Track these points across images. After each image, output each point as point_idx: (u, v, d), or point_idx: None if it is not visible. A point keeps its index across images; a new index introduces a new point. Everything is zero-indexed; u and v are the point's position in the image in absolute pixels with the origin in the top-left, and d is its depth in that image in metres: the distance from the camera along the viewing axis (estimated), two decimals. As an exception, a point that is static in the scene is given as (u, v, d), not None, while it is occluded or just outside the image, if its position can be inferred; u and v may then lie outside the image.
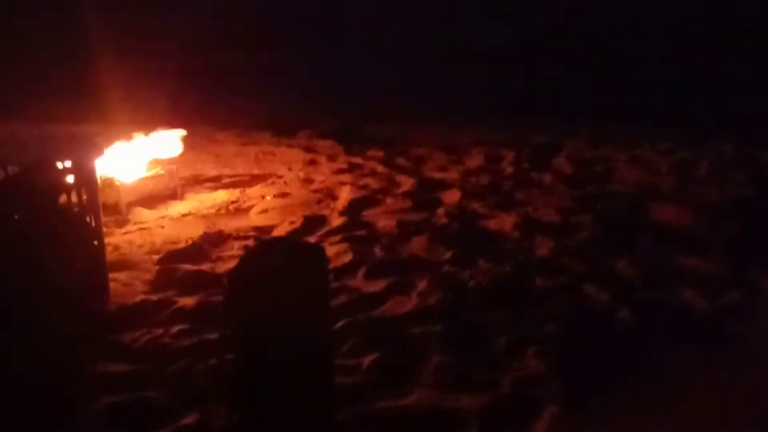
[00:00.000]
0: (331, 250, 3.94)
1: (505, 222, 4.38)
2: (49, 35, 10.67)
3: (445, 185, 5.29)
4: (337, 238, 4.23)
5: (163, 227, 4.57)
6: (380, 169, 5.80)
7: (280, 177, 5.69)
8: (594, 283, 3.48)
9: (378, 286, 3.56)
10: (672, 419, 2.46)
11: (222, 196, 5.28)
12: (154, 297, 3.50)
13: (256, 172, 5.92)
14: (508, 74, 8.97)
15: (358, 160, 6.12)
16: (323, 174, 5.71)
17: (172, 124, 5.75)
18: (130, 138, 5.22)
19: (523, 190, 5.06)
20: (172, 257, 4.01)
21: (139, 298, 3.48)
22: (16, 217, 3.14)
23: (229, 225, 4.60)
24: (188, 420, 2.51)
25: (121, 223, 4.65)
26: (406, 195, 5.08)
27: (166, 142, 5.38)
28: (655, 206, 4.53)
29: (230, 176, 5.81)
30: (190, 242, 4.22)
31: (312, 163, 6.11)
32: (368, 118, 7.43)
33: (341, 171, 5.78)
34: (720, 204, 4.53)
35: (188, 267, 3.85)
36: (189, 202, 5.17)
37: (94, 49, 9.16)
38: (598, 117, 7.01)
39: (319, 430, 2.28)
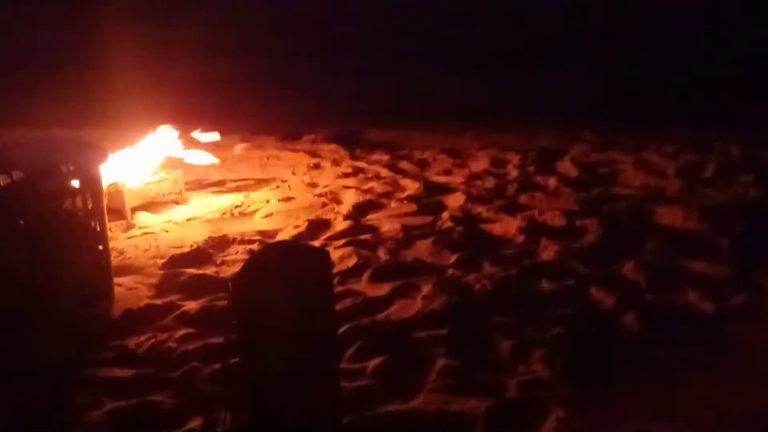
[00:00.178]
0: (335, 254, 3.93)
1: (509, 225, 4.37)
2: (56, 40, 10.71)
3: (449, 189, 5.28)
4: (342, 242, 4.22)
5: (167, 231, 4.57)
6: (384, 173, 5.80)
7: (285, 181, 5.70)
8: (600, 287, 3.47)
9: (383, 289, 3.55)
10: (678, 422, 2.45)
11: (226, 200, 5.28)
12: (158, 301, 3.50)
13: (260, 176, 5.92)
14: (512, 78, 8.96)
15: (362, 164, 6.12)
16: (327, 178, 5.71)
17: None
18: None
19: (528, 193, 5.05)
20: (176, 261, 4.01)
21: (143, 302, 3.48)
22: (21, 221, 3.14)
23: (234, 229, 4.60)
24: (193, 424, 2.50)
25: (126, 227, 4.66)
26: (410, 199, 5.07)
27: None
28: (661, 209, 4.52)
29: (235, 180, 5.81)
30: (194, 246, 4.22)
31: (316, 167, 6.11)
32: (372, 122, 7.43)
33: (345, 175, 5.78)
34: (726, 206, 4.52)
35: (193, 271, 3.85)
36: (193, 206, 5.17)
37: (99, 55, 9.19)
38: (602, 120, 7.00)
39: (325, 435, 2.27)
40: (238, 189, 5.56)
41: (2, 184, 3.25)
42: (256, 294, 2.15)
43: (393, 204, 4.99)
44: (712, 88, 7.77)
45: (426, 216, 4.67)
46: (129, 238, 4.48)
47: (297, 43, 11.07)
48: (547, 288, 3.52)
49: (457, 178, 5.55)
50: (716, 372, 2.71)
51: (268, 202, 5.17)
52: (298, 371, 2.16)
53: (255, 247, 4.19)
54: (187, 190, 5.35)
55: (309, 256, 2.32)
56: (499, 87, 8.58)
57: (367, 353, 2.94)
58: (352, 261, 3.89)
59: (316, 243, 4.19)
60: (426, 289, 3.50)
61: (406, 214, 4.77)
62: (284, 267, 2.19)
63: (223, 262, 4.03)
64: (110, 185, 4.74)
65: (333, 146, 6.72)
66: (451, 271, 3.75)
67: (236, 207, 5.11)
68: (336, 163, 6.21)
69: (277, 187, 5.56)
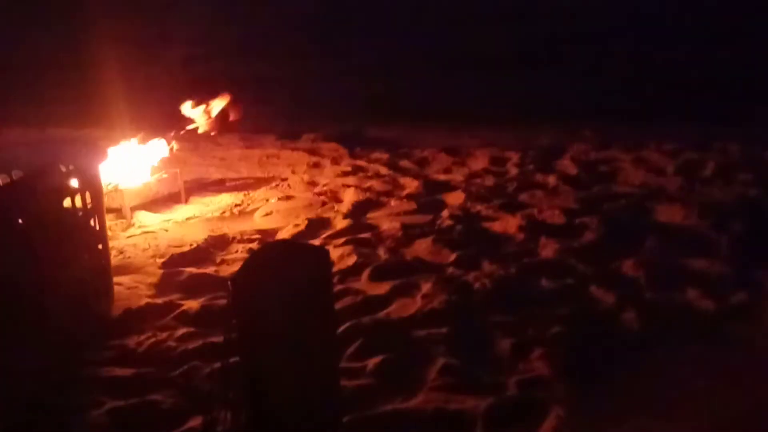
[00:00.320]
0: (335, 253, 3.93)
1: (509, 224, 4.37)
2: (54, 41, 10.70)
3: (449, 187, 5.28)
4: (342, 240, 4.22)
5: (167, 231, 4.57)
6: (384, 171, 5.80)
7: (284, 180, 5.69)
8: (599, 285, 3.47)
9: (382, 288, 3.55)
10: (678, 420, 2.45)
11: (226, 199, 5.28)
12: (158, 300, 3.50)
13: (260, 175, 5.92)
14: (511, 77, 8.96)
15: (362, 162, 6.12)
16: (327, 177, 5.71)
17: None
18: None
19: (528, 191, 5.04)
20: (176, 260, 4.01)
21: (143, 301, 3.48)
22: (20, 221, 3.14)
23: (234, 228, 4.59)
24: (193, 423, 2.51)
25: (126, 226, 4.66)
26: (410, 197, 5.07)
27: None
28: (660, 207, 4.51)
29: (234, 179, 5.81)
30: (194, 245, 4.22)
31: (316, 166, 6.11)
32: (372, 120, 7.43)
33: (345, 174, 5.78)
34: (726, 205, 4.51)
35: (193, 270, 3.85)
36: (193, 205, 5.17)
37: (98, 55, 9.18)
38: (602, 118, 6.99)
39: (325, 433, 2.27)
40: (237, 188, 5.56)
41: (1, 184, 3.25)
42: (256, 293, 2.14)
43: (393, 202, 4.99)
44: (712, 87, 7.78)
45: (426, 214, 4.67)
46: (128, 237, 4.48)
47: (296, 44, 11.07)
48: (547, 286, 3.52)
49: (457, 177, 5.55)
50: (716, 370, 2.71)
51: (267, 200, 5.17)
52: (298, 370, 2.16)
53: (255, 246, 4.19)
54: (187, 189, 5.35)
55: (308, 254, 2.32)
56: (498, 86, 8.58)
57: (366, 352, 2.94)
58: (352, 259, 3.89)
59: (316, 242, 4.19)
60: (426, 287, 3.50)
61: (406, 213, 4.77)
62: (284, 266, 2.19)
63: (222, 261, 4.03)
64: (109, 184, 4.73)
65: (333, 145, 6.71)
66: (450, 269, 3.74)
67: (236, 206, 5.10)
68: (336, 161, 6.20)
69: (277, 185, 5.56)
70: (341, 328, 3.06)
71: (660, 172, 5.38)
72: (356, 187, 5.31)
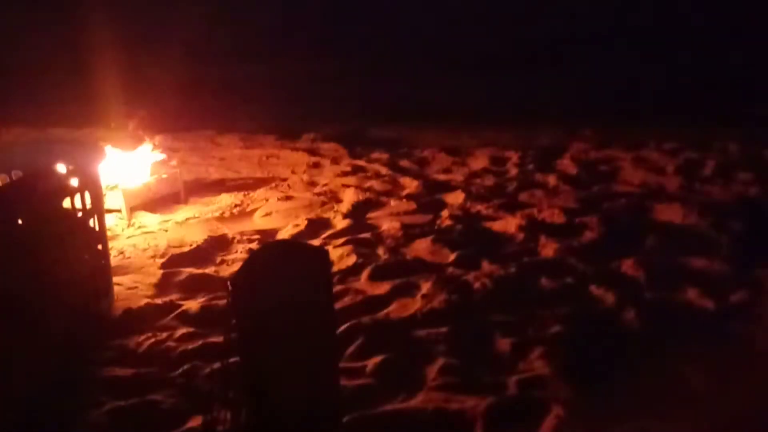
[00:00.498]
0: (335, 253, 3.94)
1: (509, 223, 4.37)
2: (54, 41, 10.70)
3: (449, 187, 5.28)
4: (341, 240, 4.22)
5: (167, 231, 4.57)
6: (384, 171, 5.80)
7: (284, 180, 5.69)
8: (599, 284, 3.47)
9: (382, 288, 3.55)
10: (678, 420, 2.45)
11: (226, 199, 5.27)
12: (158, 300, 3.50)
13: (259, 175, 5.92)
14: (512, 77, 8.96)
15: (361, 162, 6.11)
16: (327, 177, 5.71)
17: (170, 129, 5.73)
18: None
19: (528, 191, 5.04)
20: (176, 261, 4.01)
21: (143, 301, 3.48)
22: (20, 221, 3.14)
23: (233, 228, 4.59)
24: (193, 423, 2.51)
25: (125, 227, 4.66)
26: (410, 197, 5.07)
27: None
28: (660, 206, 4.51)
29: (234, 180, 5.81)
30: (194, 246, 4.22)
31: (316, 166, 6.11)
32: (372, 120, 7.43)
33: (345, 174, 5.78)
34: (726, 204, 4.52)
35: (192, 270, 3.85)
36: (193, 205, 5.17)
37: (98, 56, 9.18)
38: (602, 118, 6.99)
39: (325, 433, 2.27)
40: (237, 188, 5.56)
41: (1, 184, 3.25)
42: (256, 293, 2.14)
43: (393, 202, 4.99)
44: (712, 86, 7.78)
45: (426, 214, 4.67)
46: (128, 237, 4.48)
47: (296, 46, 11.07)
48: (547, 286, 3.51)
49: (457, 177, 5.55)
50: (716, 370, 2.70)
51: (267, 201, 5.16)
52: (298, 370, 2.16)
53: (254, 246, 4.19)
54: (187, 189, 5.35)
55: (308, 254, 2.31)
56: (499, 86, 8.59)
57: (366, 352, 2.94)
58: (352, 259, 3.89)
59: (316, 242, 4.19)
60: (426, 287, 3.50)
61: (406, 213, 4.77)
62: (283, 266, 2.19)
63: (222, 262, 4.03)
64: (109, 185, 4.73)
65: (332, 145, 6.71)
66: (450, 269, 3.74)
67: (236, 206, 5.10)
68: (335, 161, 6.20)
69: (277, 186, 5.56)
70: (341, 328, 3.06)
71: (660, 171, 5.38)
72: (356, 187, 5.31)
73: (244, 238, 4.37)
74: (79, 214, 3.31)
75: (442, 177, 5.59)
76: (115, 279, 3.63)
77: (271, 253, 2.37)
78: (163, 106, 7.49)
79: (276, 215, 4.85)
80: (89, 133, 7.13)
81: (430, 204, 4.88)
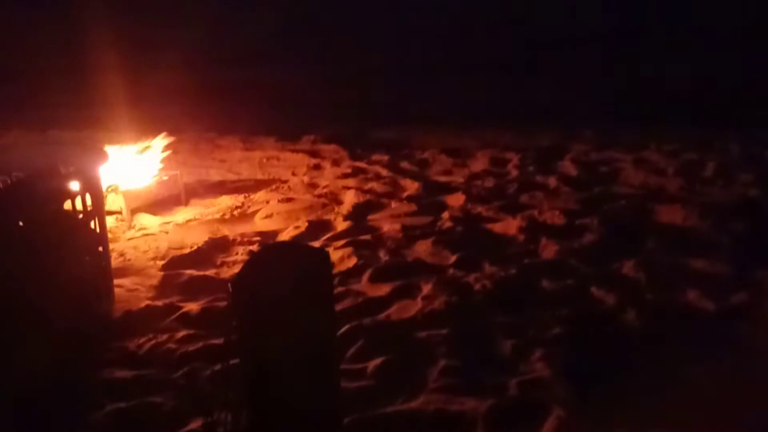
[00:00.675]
0: (335, 255, 3.93)
1: (510, 225, 4.37)
2: (56, 44, 10.71)
3: (449, 189, 5.28)
4: (342, 242, 4.22)
5: (167, 233, 4.57)
6: (385, 173, 5.79)
7: (285, 182, 5.68)
8: (600, 286, 3.47)
9: (383, 290, 3.55)
10: (680, 422, 2.44)
11: (226, 201, 5.27)
12: (159, 303, 3.50)
13: (260, 177, 5.91)
14: (512, 79, 8.97)
15: (362, 164, 6.11)
16: (328, 178, 5.70)
17: (172, 132, 5.72)
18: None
19: (528, 192, 5.04)
20: (176, 263, 4.00)
21: (143, 303, 3.48)
22: (21, 223, 3.14)
23: (234, 230, 4.59)
24: (194, 425, 2.51)
25: (126, 228, 4.66)
26: (410, 199, 5.07)
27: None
28: (661, 208, 4.51)
29: (234, 181, 5.80)
30: (194, 248, 4.22)
31: (316, 167, 6.10)
32: (372, 122, 7.43)
33: (346, 175, 5.78)
34: (727, 205, 4.52)
35: (193, 272, 3.85)
36: (193, 207, 5.16)
37: (99, 60, 9.19)
38: (602, 119, 6.99)
39: (325, 435, 2.27)
40: (237, 190, 5.55)
41: (2, 186, 3.25)
42: (256, 295, 2.14)
43: (393, 204, 4.99)
44: (712, 88, 7.78)
45: (426, 216, 4.67)
46: (129, 239, 4.47)
47: (296, 48, 11.08)
48: (548, 287, 3.51)
49: (458, 178, 5.54)
50: (717, 372, 2.70)
51: (268, 202, 5.16)
52: (299, 372, 2.16)
53: (255, 248, 4.19)
54: (187, 191, 5.35)
55: (309, 256, 2.31)
56: (499, 87, 8.58)
57: (367, 353, 2.93)
58: (353, 261, 3.89)
59: (316, 243, 4.19)
60: (426, 289, 3.50)
61: (407, 214, 4.77)
62: (284, 268, 2.19)
63: (223, 263, 4.02)
64: (110, 186, 4.73)
65: (333, 146, 6.70)
66: (451, 270, 3.74)
67: (236, 208, 5.10)
68: (336, 163, 6.20)
69: (277, 188, 5.56)
70: (342, 330, 3.06)
71: (660, 172, 5.38)
72: (357, 188, 5.31)
73: (245, 240, 4.37)
74: (80, 216, 3.31)
75: (442, 179, 5.59)
76: (116, 281, 3.63)
77: (271, 254, 2.37)
78: (163, 107, 7.51)
79: (276, 217, 4.85)
80: (90, 135, 7.13)
81: (431, 206, 4.87)
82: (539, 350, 2.90)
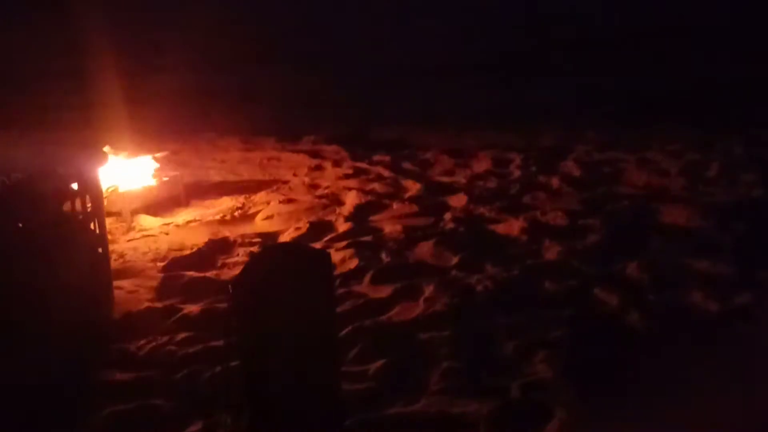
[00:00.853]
0: (337, 256, 3.92)
1: (512, 226, 4.35)
2: (54, 46, 10.72)
3: (451, 189, 5.26)
4: (343, 243, 4.20)
5: (167, 234, 4.56)
6: (386, 173, 5.78)
7: (286, 183, 5.67)
8: (603, 286, 3.45)
9: (385, 291, 3.54)
10: (682, 422, 2.43)
11: (227, 202, 5.26)
12: (159, 304, 3.48)
13: (261, 178, 5.90)
14: (515, 80, 8.96)
15: (363, 165, 6.10)
16: (329, 179, 5.69)
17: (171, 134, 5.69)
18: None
19: (531, 193, 5.03)
20: (177, 264, 3.99)
21: (144, 305, 3.47)
22: (20, 224, 3.13)
23: (234, 231, 4.58)
24: (194, 427, 2.49)
25: (126, 230, 4.64)
26: (412, 200, 5.05)
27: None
28: (664, 208, 4.50)
29: (235, 182, 5.79)
30: (195, 249, 4.20)
31: (317, 168, 6.09)
32: (374, 122, 7.42)
33: (347, 176, 5.76)
34: (730, 205, 4.50)
35: (193, 274, 3.83)
36: (194, 208, 5.15)
37: (99, 62, 9.20)
38: (605, 120, 6.98)
39: (326, 438, 2.25)
40: (238, 191, 5.54)
41: (1, 187, 3.24)
42: (257, 296, 2.13)
43: (395, 205, 4.97)
44: (715, 89, 7.77)
45: (428, 217, 4.65)
46: (129, 240, 4.46)
47: (297, 51, 11.08)
48: (550, 288, 3.50)
49: (460, 179, 5.53)
50: (719, 372, 2.69)
51: (268, 203, 5.15)
52: (299, 374, 2.14)
53: (256, 249, 4.17)
54: (187, 192, 5.33)
55: (310, 258, 2.30)
56: (501, 88, 8.58)
57: (369, 355, 2.92)
58: (354, 263, 3.88)
59: (318, 245, 4.17)
60: (428, 290, 3.48)
61: (408, 215, 4.75)
62: (285, 269, 2.18)
63: (223, 265, 4.01)
64: (110, 188, 4.72)
65: (334, 147, 6.70)
66: (453, 272, 3.73)
67: (237, 209, 5.09)
68: (337, 164, 6.19)
69: (278, 188, 5.54)
70: (343, 332, 3.04)
71: (663, 173, 5.37)
72: (358, 189, 5.29)
73: (246, 241, 4.35)
74: (80, 218, 3.30)
75: (444, 179, 5.58)
76: (116, 283, 3.62)
77: (272, 256, 2.36)
78: (163, 107, 7.50)
79: (277, 218, 4.83)
80: (90, 136, 7.12)
81: (433, 206, 4.86)
82: (541, 352, 2.88)
